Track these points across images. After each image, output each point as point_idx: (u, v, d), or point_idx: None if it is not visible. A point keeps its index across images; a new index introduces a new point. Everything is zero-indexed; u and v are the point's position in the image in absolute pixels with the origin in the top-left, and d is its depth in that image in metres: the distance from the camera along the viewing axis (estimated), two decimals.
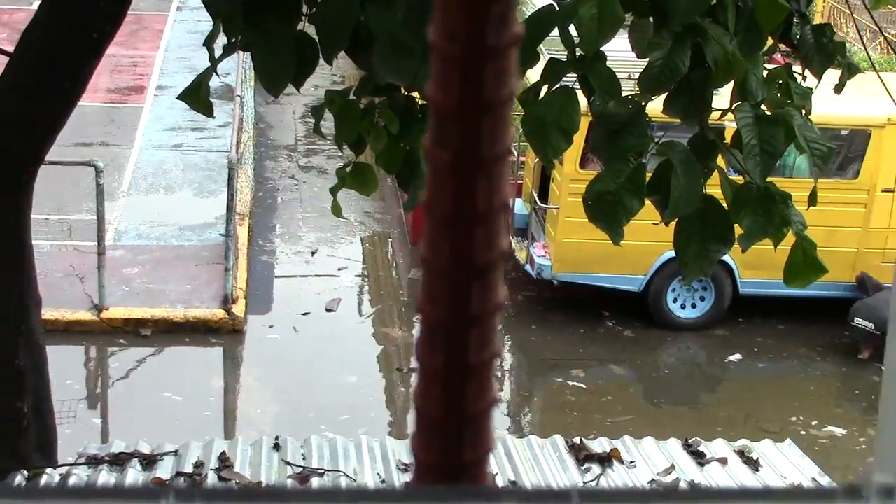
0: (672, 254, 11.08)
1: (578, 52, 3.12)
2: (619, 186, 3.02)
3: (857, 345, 12.52)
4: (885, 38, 16.11)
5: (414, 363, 10.02)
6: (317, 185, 16.20)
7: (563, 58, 3.21)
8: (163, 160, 16.43)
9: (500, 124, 0.81)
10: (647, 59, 3.07)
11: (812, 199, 3.51)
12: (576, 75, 3.23)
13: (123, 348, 11.96)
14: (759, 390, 12.04)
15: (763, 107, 3.09)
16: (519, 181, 13.77)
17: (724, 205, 3.05)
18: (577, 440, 5.63)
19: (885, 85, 5.27)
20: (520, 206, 13.68)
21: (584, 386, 11.72)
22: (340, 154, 16.98)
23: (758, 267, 11.76)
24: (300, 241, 14.58)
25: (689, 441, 5.82)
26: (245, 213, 14.20)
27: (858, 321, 12.26)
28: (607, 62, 3.16)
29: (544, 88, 3.23)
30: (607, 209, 3.03)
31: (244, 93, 16.34)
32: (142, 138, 17.16)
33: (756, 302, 12.89)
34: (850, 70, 3.91)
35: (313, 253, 14.28)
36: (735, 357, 12.50)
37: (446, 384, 0.83)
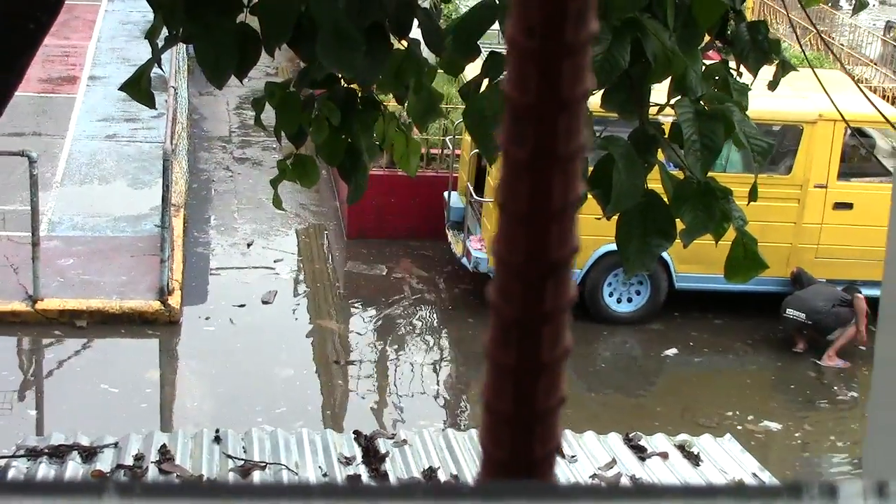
0: (608, 248, 11.23)
1: None
2: None
3: (792, 338, 12.67)
4: (819, 33, 16.29)
5: (354, 355, 9.97)
6: (251, 177, 16.13)
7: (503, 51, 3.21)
8: (96, 151, 16.27)
9: (575, 121, 0.81)
10: None
11: (752, 195, 3.54)
12: None
13: (59, 340, 11.83)
14: (695, 384, 12.15)
15: (702, 102, 3.11)
16: (454, 174, 13.78)
17: (665, 200, 3.07)
18: None
19: (820, 82, 5.33)
20: (455, 200, 13.68)
21: None
22: (275, 146, 16.95)
23: (693, 261, 11.86)
24: (236, 232, 14.50)
25: (630, 435, 5.85)
26: (180, 204, 14.09)
27: (790, 312, 12.41)
28: None
29: (485, 82, 3.22)
30: None
31: (178, 84, 16.19)
32: (75, 128, 16.97)
33: (692, 296, 13.00)
34: (785, 67, 3.95)
35: (249, 245, 14.20)
36: (671, 351, 12.59)
37: (518, 380, 0.83)
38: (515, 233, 0.83)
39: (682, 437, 5.93)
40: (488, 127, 3.09)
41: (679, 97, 3.25)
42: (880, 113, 5.61)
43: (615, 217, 3.20)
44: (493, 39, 3.41)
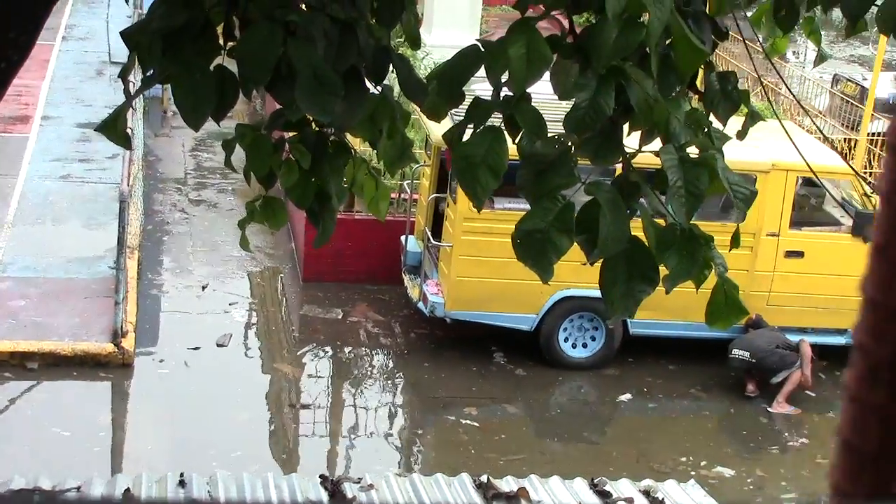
0: (564, 293, 11.24)
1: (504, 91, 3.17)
2: (548, 225, 3.06)
3: (742, 381, 12.78)
4: (763, 85, 16.52)
5: (310, 399, 9.89)
6: (207, 220, 16.08)
7: (487, 96, 3.25)
8: (50, 191, 16.17)
9: None
10: (569, 101, 3.13)
11: (735, 242, 3.60)
12: (501, 115, 3.27)
13: (9, 382, 11.69)
14: (650, 430, 12.20)
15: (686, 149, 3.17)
16: (412, 219, 13.81)
17: (647, 245, 3.12)
18: (484, 478, 5.65)
19: (788, 133, 5.43)
20: (412, 244, 13.71)
21: (476, 424, 11.76)
22: (231, 189, 16.92)
23: (648, 308, 11.85)
24: (190, 275, 14.43)
25: (595, 481, 5.87)
26: (135, 246, 14.02)
27: (736, 352, 12.56)
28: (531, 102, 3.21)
29: (469, 128, 3.27)
30: (536, 248, 3.06)
31: (134, 125, 16.15)
32: (28, 168, 16.86)
33: (646, 342, 13.07)
34: (753, 117, 4.01)
35: (204, 287, 14.14)
36: (625, 396, 12.65)
37: (885, 419, 0.83)
38: (891, 276, 0.83)
39: (647, 482, 5.96)
40: (476, 172, 3.12)
41: (648, 143, 3.30)
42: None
43: (565, 262, 3.23)
44: (476, 85, 3.44)
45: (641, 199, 3.25)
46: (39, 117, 19.13)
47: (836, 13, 4.68)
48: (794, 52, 26.61)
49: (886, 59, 21.83)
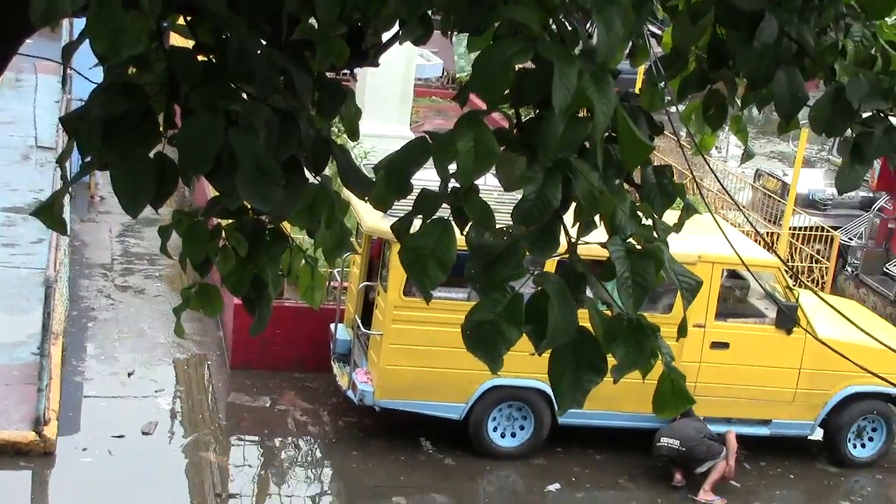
0: (493, 382, 11.23)
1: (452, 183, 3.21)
2: (497, 316, 3.09)
3: (669, 471, 12.83)
4: (694, 179, 16.80)
5: (236, 488, 9.77)
6: (133, 306, 15.93)
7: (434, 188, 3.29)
8: None
9: None
10: (516, 192, 3.18)
11: (681, 331, 3.65)
12: (449, 206, 3.31)
13: None
14: None
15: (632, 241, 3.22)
16: (342, 306, 13.79)
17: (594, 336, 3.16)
18: None
19: (720, 226, 5.53)
20: (342, 332, 13.68)
21: None
22: (158, 275, 16.80)
23: None
24: (116, 361, 14.26)
25: None
26: (59, 332, 13.84)
27: (664, 440, 12.62)
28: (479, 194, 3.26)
29: (417, 220, 3.30)
30: (486, 339, 3.08)
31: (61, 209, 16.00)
32: None
33: (574, 431, 13.10)
34: (688, 211, 4.09)
35: (129, 374, 13.97)
36: (554, 486, 12.64)
37: None
38: None
39: None
40: (426, 265, 3.15)
41: (609, 236, 3.34)
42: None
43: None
44: (424, 176, 3.48)
45: (588, 290, 3.29)
46: None
47: (756, 110, 4.81)
48: (717, 148, 27.11)
49: (806, 155, 22.29)
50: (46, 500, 11.45)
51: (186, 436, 12.83)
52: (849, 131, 4.30)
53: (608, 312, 3.21)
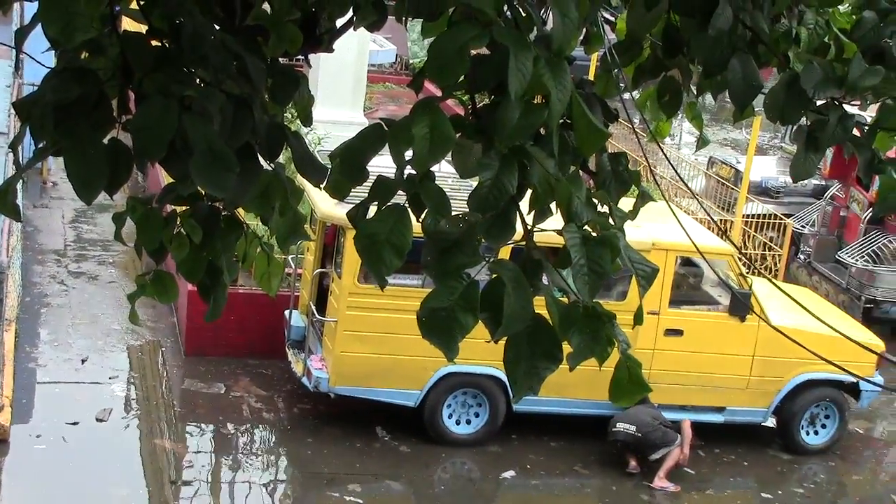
0: (448, 370, 11.25)
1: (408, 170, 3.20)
2: (453, 303, 3.08)
3: (623, 457, 12.90)
4: (649, 166, 16.88)
5: (190, 475, 9.72)
6: (87, 292, 15.82)
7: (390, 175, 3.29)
8: None
9: None
10: (471, 179, 3.18)
11: (637, 319, 3.66)
12: (405, 193, 3.31)
13: None
14: None
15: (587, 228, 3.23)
16: (296, 293, 13.76)
17: (550, 323, 3.16)
18: None
19: (675, 214, 5.56)
20: (296, 319, 13.65)
21: (360, 501, 11.67)
22: (111, 261, 16.69)
23: None
24: (70, 348, 14.16)
25: None
26: (12, 318, 13.72)
27: (620, 426, 12.67)
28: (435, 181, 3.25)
29: (373, 206, 3.29)
30: (442, 326, 3.08)
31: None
32: None
33: (529, 419, 13.14)
34: (643, 198, 4.10)
35: (83, 361, 13.88)
36: (509, 474, 12.67)
37: None
38: None
39: None
40: (381, 251, 3.14)
41: (565, 223, 3.35)
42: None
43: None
44: (379, 163, 3.47)
45: (544, 277, 3.30)
46: None
47: (710, 98, 4.83)
48: (670, 135, 27.23)
49: (759, 143, 22.44)
50: (0, 487, 11.37)
51: (141, 423, 12.76)
52: (803, 119, 4.32)
53: (564, 300, 3.21)
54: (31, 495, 11.13)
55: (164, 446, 12.32)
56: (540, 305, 3.16)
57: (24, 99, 3.83)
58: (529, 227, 3.28)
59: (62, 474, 11.48)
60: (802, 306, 5.83)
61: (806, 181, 18.87)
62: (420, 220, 3.31)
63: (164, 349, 14.55)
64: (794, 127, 4.40)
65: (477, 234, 3.32)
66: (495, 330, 3.07)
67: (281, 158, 4.03)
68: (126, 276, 16.12)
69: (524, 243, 3.28)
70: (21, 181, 18.07)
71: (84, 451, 11.96)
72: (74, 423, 12.41)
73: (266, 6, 3.83)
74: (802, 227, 19.26)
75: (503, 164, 3.10)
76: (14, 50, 20.60)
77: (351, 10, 3.78)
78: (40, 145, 3.80)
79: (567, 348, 3.20)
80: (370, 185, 3.36)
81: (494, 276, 3.10)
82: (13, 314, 13.89)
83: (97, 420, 12.59)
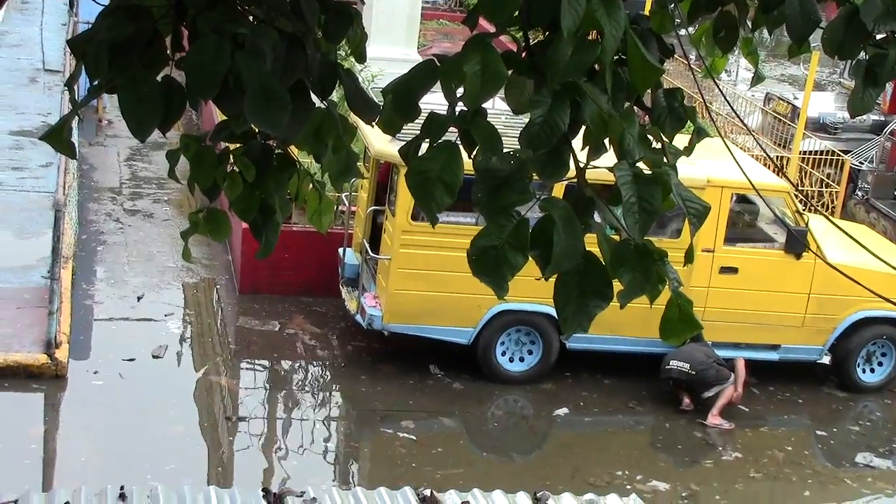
0: (501, 307, 11.29)
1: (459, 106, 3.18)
2: (503, 241, 3.07)
3: (676, 395, 12.89)
4: (704, 102, 16.70)
5: (245, 411, 9.83)
6: (142, 230, 15.96)
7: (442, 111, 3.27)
8: None
9: None
10: (524, 116, 3.15)
11: (689, 257, 3.63)
12: (456, 130, 3.29)
13: None
14: (586, 444, 12.27)
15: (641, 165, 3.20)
16: (350, 231, 13.80)
17: (602, 261, 3.14)
18: (427, 492, 5.65)
19: (730, 150, 5.50)
20: (350, 256, 13.70)
21: (414, 437, 11.76)
22: (166, 199, 16.80)
23: None
24: (125, 285, 14.31)
25: (538, 494, 5.89)
26: (69, 256, 13.87)
27: (674, 363, 12.65)
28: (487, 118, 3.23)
29: (424, 143, 3.27)
30: (491, 264, 3.07)
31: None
32: None
33: (582, 356, 13.15)
34: (699, 134, 4.05)
35: (139, 298, 14.02)
36: (562, 411, 12.70)
37: None
38: None
39: (589, 496, 5.98)
40: (432, 188, 3.13)
41: (617, 160, 3.31)
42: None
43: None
44: (432, 100, 3.45)
45: (595, 215, 3.27)
46: None
47: (766, 33, 4.75)
48: (726, 71, 26.90)
49: (817, 78, 22.13)
50: (58, 423, 11.54)
51: (196, 360, 12.91)
52: (862, 54, 4.25)
53: (616, 237, 3.19)
54: (89, 431, 11.30)
55: (219, 383, 12.46)
56: (592, 243, 3.14)
57: (78, 37, 3.85)
58: (582, 165, 3.25)
59: (119, 410, 11.64)
60: (859, 243, 5.77)
61: (864, 116, 18.61)
62: (471, 156, 3.30)
63: (218, 287, 14.67)
64: (853, 62, 4.32)
65: (528, 171, 3.30)
66: (546, 268, 3.05)
67: (334, 96, 4.01)
68: (181, 214, 16.24)
69: (576, 180, 3.26)
70: (76, 119, 18.24)
71: (140, 387, 12.12)
72: (131, 360, 12.57)
73: None
74: (860, 163, 19.03)
75: (555, 100, 3.07)
76: None
77: None
78: (95, 83, 3.82)
79: (618, 286, 3.19)
80: (422, 121, 3.35)
81: (545, 213, 3.08)
82: (70, 252, 14.04)
83: (153, 356, 12.74)
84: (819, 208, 17.46)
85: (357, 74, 4.08)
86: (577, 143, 3.32)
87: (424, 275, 12.45)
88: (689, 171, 12.38)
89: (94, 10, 3.92)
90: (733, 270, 13.18)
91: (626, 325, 11.92)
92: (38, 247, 14.17)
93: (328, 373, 13.01)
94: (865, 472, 12.33)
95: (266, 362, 13.06)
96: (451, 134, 3.30)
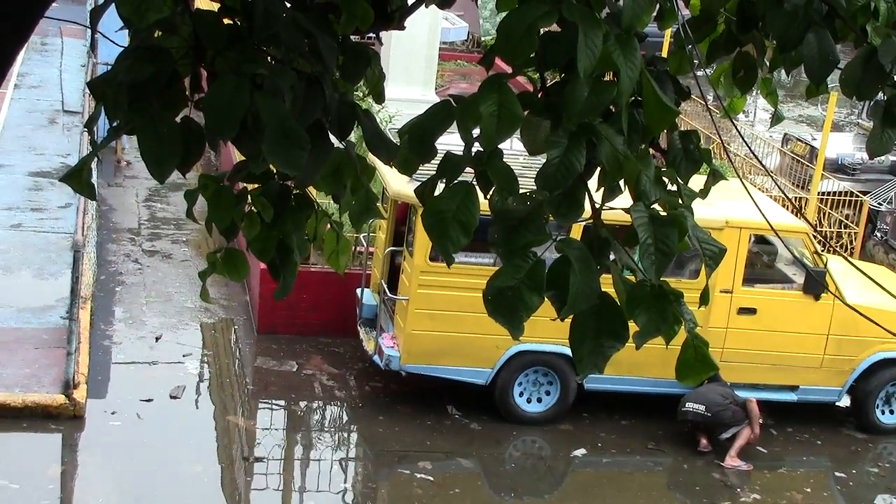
0: (519, 348, 11.26)
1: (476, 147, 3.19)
2: (518, 282, 3.07)
3: (694, 436, 12.83)
4: (722, 143, 16.73)
5: (263, 452, 9.82)
6: (161, 270, 16.00)
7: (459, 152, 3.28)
8: (1, 240, 16.03)
9: None
10: (540, 157, 3.16)
11: (704, 299, 3.62)
12: (473, 171, 3.30)
13: None
14: (603, 485, 12.20)
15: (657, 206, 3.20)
16: (368, 271, 13.81)
17: (617, 302, 3.14)
18: None
19: (749, 191, 5.49)
20: (368, 297, 13.70)
21: (431, 478, 11.72)
22: (185, 239, 16.85)
23: None
24: (144, 325, 14.33)
25: None
26: (87, 296, 13.91)
27: (690, 405, 12.61)
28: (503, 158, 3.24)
29: (441, 183, 3.28)
30: (507, 304, 3.07)
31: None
32: None
33: (600, 397, 13.11)
34: (715, 176, 4.06)
35: (157, 338, 14.04)
36: (579, 452, 12.65)
37: None
38: None
39: None
40: (447, 228, 3.14)
41: (633, 201, 3.32)
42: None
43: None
44: (448, 140, 3.47)
45: (611, 256, 3.28)
46: None
47: (784, 73, 4.76)
48: (744, 112, 26.91)
49: (835, 119, 22.13)
50: (76, 463, 11.53)
51: (214, 400, 12.90)
52: (880, 94, 4.25)
53: (632, 278, 3.19)
54: (106, 471, 11.29)
55: (236, 423, 12.45)
56: (607, 284, 3.14)
57: (98, 78, 3.87)
58: (598, 206, 3.26)
59: (136, 451, 11.63)
60: (879, 284, 5.75)
61: (883, 157, 18.57)
62: (487, 197, 3.30)
63: (236, 327, 14.68)
64: (871, 102, 4.32)
65: (544, 212, 3.30)
66: (561, 308, 3.05)
67: (352, 137, 4.03)
68: (199, 255, 16.28)
69: (592, 221, 3.26)
70: (96, 160, 18.34)
71: (158, 428, 12.11)
72: (149, 401, 12.57)
73: None
74: (879, 204, 18.98)
75: (571, 141, 3.08)
76: (89, 30, 20.83)
77: None
78: (114, 124, 3.84)
79: (633, 327, 3.18)
80: (438, 161, 3.36)
81: (561, 254, 3.09)
82: (88, 292, 14.08)
83: (171, 397, 12.74)
84: (838, 249, 17.41)
85: (375, 115, 4.09)
86: (592, 183, 3.32)
87: (442, 315, 12.45)
88: (707, 211, 12.37)
89: (113, 52, 3.95)
90: (752, 311, 13.14)
91: (644, 365, 11.89)
92: (57, 287, 14.23)
93: (346, 413, 12.99)
94: None
95: (283, 402, 13.04)
96: (468, 174, 3.31)
